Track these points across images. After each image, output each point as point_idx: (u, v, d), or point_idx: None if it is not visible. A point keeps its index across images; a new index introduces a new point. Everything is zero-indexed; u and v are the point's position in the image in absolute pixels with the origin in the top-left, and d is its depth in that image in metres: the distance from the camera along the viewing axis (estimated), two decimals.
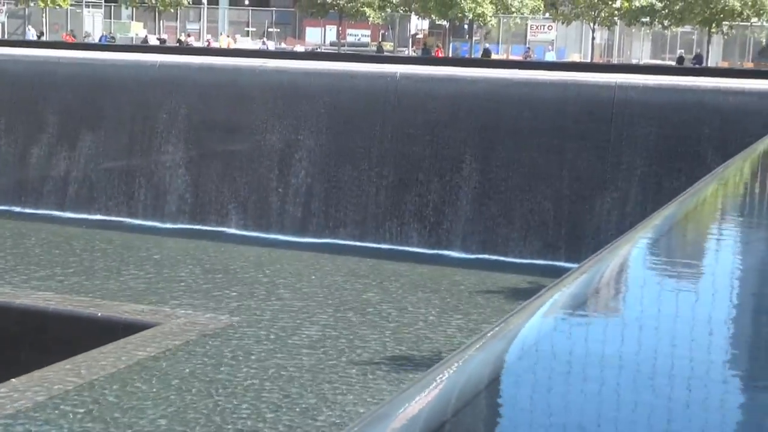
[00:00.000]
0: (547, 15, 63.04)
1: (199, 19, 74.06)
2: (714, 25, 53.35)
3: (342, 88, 20.82)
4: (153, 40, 57.46)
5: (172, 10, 67.69)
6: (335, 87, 20.68)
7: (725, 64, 57.25)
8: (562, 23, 59.58)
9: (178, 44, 53.41)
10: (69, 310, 12.81)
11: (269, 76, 21.29)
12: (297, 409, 9.58)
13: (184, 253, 17.52)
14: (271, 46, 62.98)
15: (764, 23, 57.59)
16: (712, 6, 51.69)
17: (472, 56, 54.69)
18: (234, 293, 14.19)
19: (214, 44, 57.73)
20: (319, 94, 20.53)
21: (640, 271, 2.90)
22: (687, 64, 49.43)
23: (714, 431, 1.67)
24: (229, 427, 8.96)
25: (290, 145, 20.68)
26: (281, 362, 11.10)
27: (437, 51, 55.49)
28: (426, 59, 36.25)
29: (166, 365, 10.53)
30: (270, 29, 72.86)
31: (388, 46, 63.60)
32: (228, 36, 64.80)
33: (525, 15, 62.86)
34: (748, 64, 60.21)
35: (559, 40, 66.79)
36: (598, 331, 2.24)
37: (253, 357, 11.03)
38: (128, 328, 11.87)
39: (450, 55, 56.92)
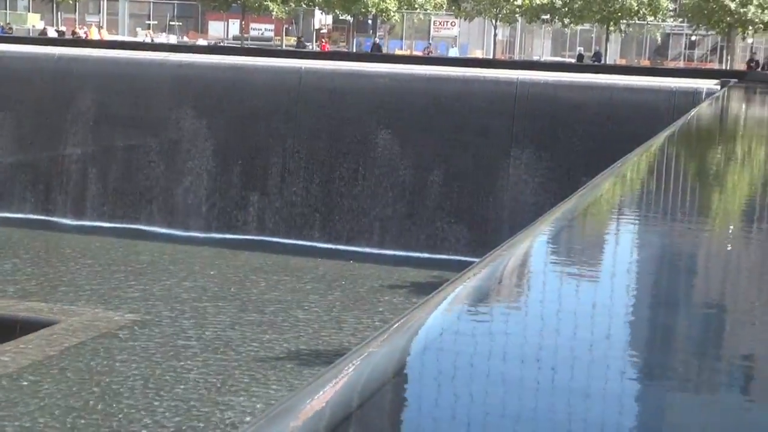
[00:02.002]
0: (449, 11, 63.53)
1: (99, 11, 72.64)
2: (612, 23, 54.46)
3: (247, 82, 20.66)
4: (52, 32, 56.12)
5: (70, 2, 66.24)
6: (241, 81, 20.52)
7: (623, 62, 58.48)
8: (465, 19, 60.11)
9: (72, 36, 52.23)
10: None
11: (172, 70, 21.01)
12: (195, 409, 9.48)
13: (86, 250, 17.19)
14: (173, 39, 62.05)
15: (660, 22, 59.00)
16: (610, 5, 52.76)
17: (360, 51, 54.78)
18: (136, 291, 13.97)
19: (96, 36, 56.36)
20: (224, 88, 20.36)
21: (541, 265, 2.94)
22: (586, 61, 50.38)
23: (614, 420, 1.70)
24: (124, 428, 8.82)
25: (194, 140, 20.46)
26: (180, 361, 10.97)
27: (323, 46, 55.54)
28: (330, 54, 36.16)
29: (62, 365, 10.31)
30: (172, 22, 71.82)
31: (291, 40, 63.30)
32: (99, 27, 63.37)
33: (428, 11, 63.25)
34: (645, 62, 61.64)
35: (462, 36, 67.38)
36: (500, 323, 2.26)
37: (151, 356, 10.87)
38: (26, 327, 11.60)
39: (354, 50, 56.89)
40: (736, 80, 21.32)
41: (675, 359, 2.09)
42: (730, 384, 1.95)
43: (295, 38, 60.78)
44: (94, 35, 55.17)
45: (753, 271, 3.08)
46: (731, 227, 3.89)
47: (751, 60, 48.52)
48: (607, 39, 56.99)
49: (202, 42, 55.62)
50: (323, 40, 60.03)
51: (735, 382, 1.96)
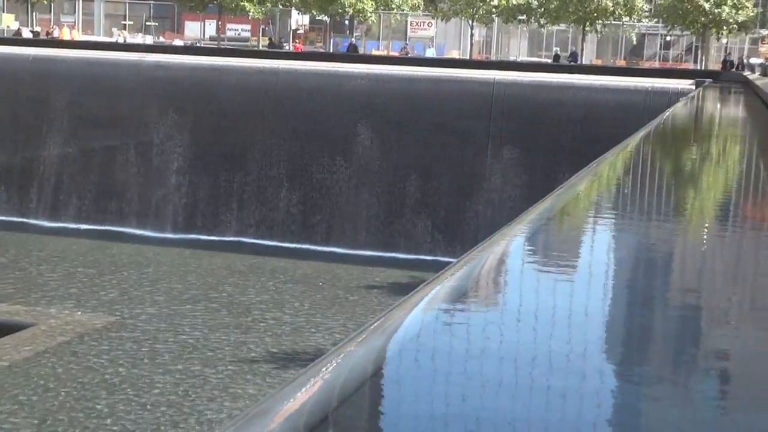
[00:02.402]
0: (426, 12, 63.58)
1: (74, 12, 72.22)
2: (588, 23, 54.68)
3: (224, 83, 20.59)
4: (26, 33, 55.71)
5: (45, 2, 65.82)
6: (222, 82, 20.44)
7: (599, 62, 58.70)
8: (442, 20, 60.18)
9: (47, 36, 51.85)
10: None
11: (148, 70, 20.91)
12: (171, 411, 9.44)
13: (62, 252, 17.09)
14: (150, 40, 61.75)
15: (635, 22, 59.28)
16: (586, 5, 52.97)
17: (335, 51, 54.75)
18: (112, 293, 13.90)
19: (67, 36, 55.91)
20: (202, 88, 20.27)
21: (518, 264, 2.95)
22: (563, 61, 50.54)
23: (590, 418, 1.71)
24: (99, 430, 8.77)
25: (168, 140, 20.36)
26: (156, 364, 10.93)
27: (296, 47, 55.48)
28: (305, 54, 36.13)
29: (38, 367, 10.25)
30: (148, 23, 71.51)
31: (267, 41, 63.15)
32: (71, 28, 62.92)
33: (405, 11, 63.28)
34: (621, 62, 61.88)
35: (439, 36, 67.43)
36: (478, 323, 2.27)
37: (127, 358, 10.82)
38: (2, 330, 11.52)
39: (331, 51, 56.84)
40: (710, 80, 21.45)
41: (651, 358, 2.10)
42: (706, 382, 1.96)
43: (269, 39, 60.56)
44: (66, 36, 54.76)
45: (728, 268, 3.10)
46: (706, 226, 3.92)
47: (725, 60, 48.86)
48: (583, 39, 57.21)
49: (178, 42, 55.41)
50: (296, 41, 59.96)
51: (711, 381, 1.97)
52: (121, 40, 51.26)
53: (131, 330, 11.95)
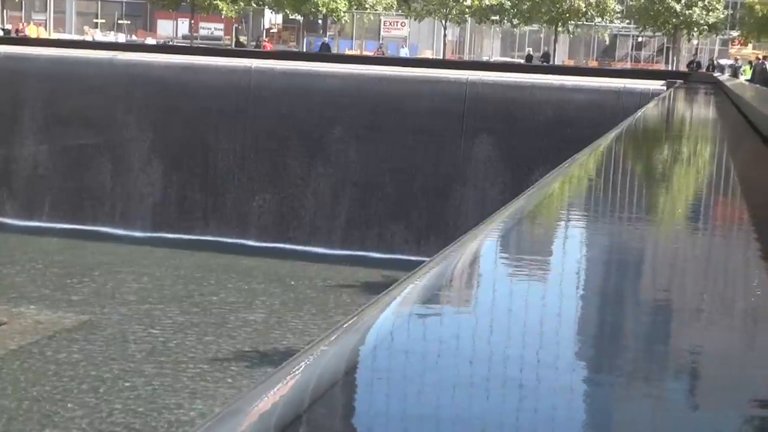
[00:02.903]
0: (399, 11, 63.64)
1: (46, 9, 71.72)
2: (560, 24, 54.92)
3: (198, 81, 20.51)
4: None
5: (16, 0, 65.32)
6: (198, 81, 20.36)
7: (571, 62, 58.96)
8: (415, 20, 60.24)
9: (17, 34, 51.40)
10: None
11: (120, 68, 20.79)
12: (142, 411, 9.39)
13: (34, 251, 16.97)
14: (122, 38, 61.40)
15: (607, 23, 59.60)
16: (558, 6, 53.20)
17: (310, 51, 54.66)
18: (84, 292, 13.82)
19: (35, 34, 55.39)
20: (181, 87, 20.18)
21: (491, 264, 2.95)
22: (535, 61, 50.73)
23: (563, 419, 1.71)
24: (69, 429, 8.71)
25: (138, 139, 20.25)
26: (127, 363, 10.87)
27: (265, 45, 55.37)
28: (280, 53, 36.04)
29: (8, 366, 10.17)
30: (120, 21, 71.14)
31: (240, 39, 62.96)
32: (38, 25, 62.35)
33: (378, 11, 63.30)
34: (593, 63, 62.17)
35: (412, 36, 67.49)
36: (451, 322, 2.27)
37: (98, 358, 10.76)
38: None
39: (304, 50, 56.80)
40: (681, 81, 21.59)
41: (624, 356, 2.11)
42: (678, 380, 1.97)
43: (244, 38, 60.34)
44: (32, 34, 54.24)
45: (699, 267, 3.12)
46: (677, 225, 3.94)
47: (691, 62, 49.20)
48: (556, 40, 57.45)
49: (150, 41, 55.13)
50: (264, 40, 59.78)
51: (683, 378, 1.98)
52: (89, 38, 50.83)
53: (102, 329, 11.89)
